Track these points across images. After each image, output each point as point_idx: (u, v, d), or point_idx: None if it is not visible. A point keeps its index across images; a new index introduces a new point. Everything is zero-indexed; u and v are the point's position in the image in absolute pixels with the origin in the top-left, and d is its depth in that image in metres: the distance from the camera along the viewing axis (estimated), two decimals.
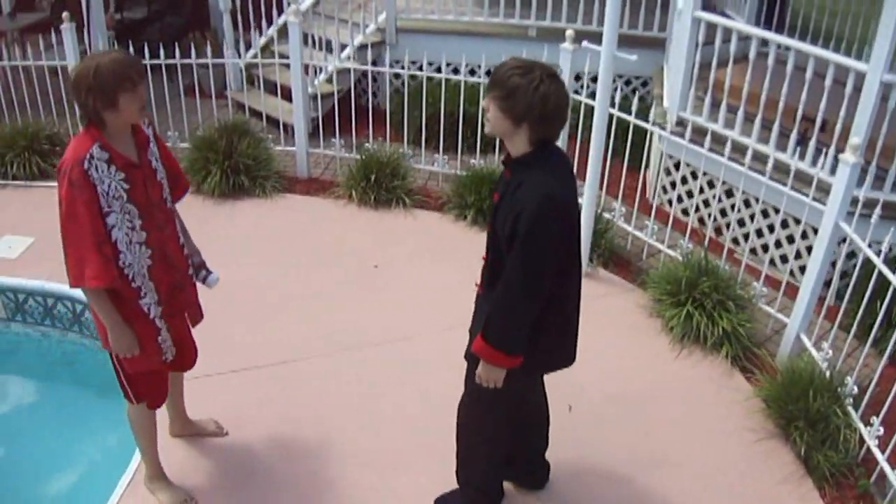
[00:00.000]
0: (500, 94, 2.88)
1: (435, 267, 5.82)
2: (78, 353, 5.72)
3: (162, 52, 7.11)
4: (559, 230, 3.00)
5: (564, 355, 3.39)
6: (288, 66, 7.20)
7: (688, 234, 5.75)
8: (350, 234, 6.22)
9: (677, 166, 6.14)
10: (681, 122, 6.11)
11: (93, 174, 3.17)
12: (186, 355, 3.90)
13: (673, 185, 6.37)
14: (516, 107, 2.85)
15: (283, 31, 8.33)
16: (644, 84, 7.87)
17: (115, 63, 3.09)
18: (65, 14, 7.11)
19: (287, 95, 7.75)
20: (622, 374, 4.04)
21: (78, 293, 5.54)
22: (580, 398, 4.04)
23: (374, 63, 7.35)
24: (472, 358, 3.34)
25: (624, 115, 5.72)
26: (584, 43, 5.72)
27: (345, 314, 5.30)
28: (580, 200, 4.83)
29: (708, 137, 5.48)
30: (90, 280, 3.24)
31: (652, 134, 6.07)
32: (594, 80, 5.87)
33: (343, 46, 7.70)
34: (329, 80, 7.67)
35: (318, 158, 7.28)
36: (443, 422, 3.91)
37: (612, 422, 4.27)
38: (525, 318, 3.06)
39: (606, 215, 6.00)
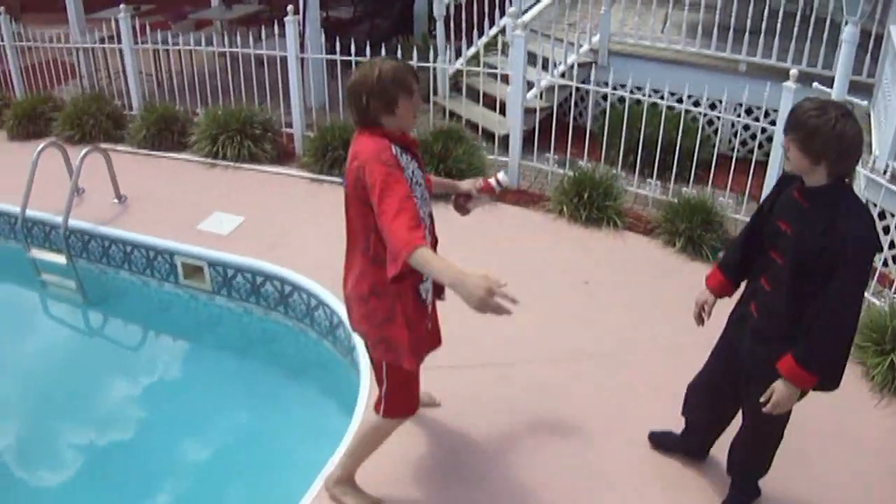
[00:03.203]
0: (799, 136, 3.03)
1: (643, 290, 5.63)
2: (278, 333, 5.81)
3: (369, 51, 7.22)
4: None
5: None
6: (496, 77, 7.20)
7: (894, 286, 5.41)
8: (559, 248, 6.11)
9: (881, 216, 5.79)
10: (887, 170, 5.75)
11: (400, 159, 3.15)
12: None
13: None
14: (815, 146, 3.00)
15: (491, 43, 8.41)
16: None
17: (395, 69, 3.13)
18: (290, 7, 7.30)
19: (490, 105, 7.82)
20: (820, 415, 3.96)
21: (287, 274, 5.65)
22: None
23: (583, 82, 7.24)
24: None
25: None
26: (816, 85, 5.54)
27: (556, 326, 5.18)
28: None
29: None
30: (418, 239, 2.96)
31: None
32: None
33: (555, 64, 7.63)
34: (539, 96, 7.61)
35: (525, 171, 7.20)
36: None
37: (813, 459, 4.19)
38: (850, 339, 3.21)
39: None
